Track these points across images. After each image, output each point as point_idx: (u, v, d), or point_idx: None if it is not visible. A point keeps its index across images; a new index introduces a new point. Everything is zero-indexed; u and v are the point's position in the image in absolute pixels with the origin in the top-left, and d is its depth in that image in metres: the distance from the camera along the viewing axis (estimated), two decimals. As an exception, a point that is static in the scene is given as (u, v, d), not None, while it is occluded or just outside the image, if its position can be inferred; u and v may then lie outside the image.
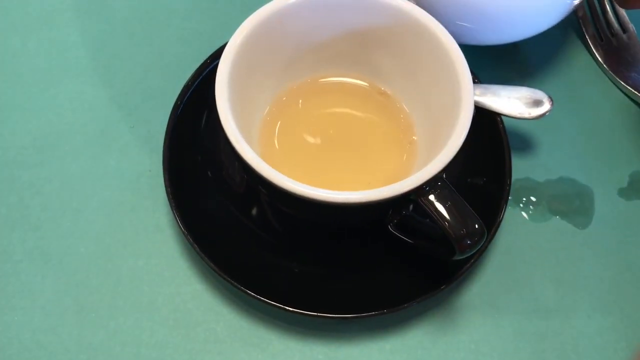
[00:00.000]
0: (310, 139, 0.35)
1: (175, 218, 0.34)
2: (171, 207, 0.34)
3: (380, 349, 0.34)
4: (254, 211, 0.36)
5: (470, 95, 0.30)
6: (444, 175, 0.30)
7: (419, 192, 0.29)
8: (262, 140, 0.34)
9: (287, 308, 0.32)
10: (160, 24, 0.41)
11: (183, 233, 0.33)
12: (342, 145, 0.35)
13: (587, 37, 0.42)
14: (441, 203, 0.29)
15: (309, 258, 0.35)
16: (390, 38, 0.34)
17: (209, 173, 0.36)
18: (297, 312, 0.32)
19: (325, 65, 0.36)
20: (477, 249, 0.30)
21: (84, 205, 0.36)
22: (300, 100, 0.36)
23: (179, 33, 0.41)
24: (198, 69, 0.36)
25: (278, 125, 0.35)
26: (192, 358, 0.33)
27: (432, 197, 0.29)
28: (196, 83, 0.36)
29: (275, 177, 0.28)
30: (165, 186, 0.34)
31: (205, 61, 0.36)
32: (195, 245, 0.33)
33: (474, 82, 0.33)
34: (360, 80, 0.36)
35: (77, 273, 0.35)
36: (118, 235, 0.36)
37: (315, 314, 0.32)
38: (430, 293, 0.33)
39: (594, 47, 0.42)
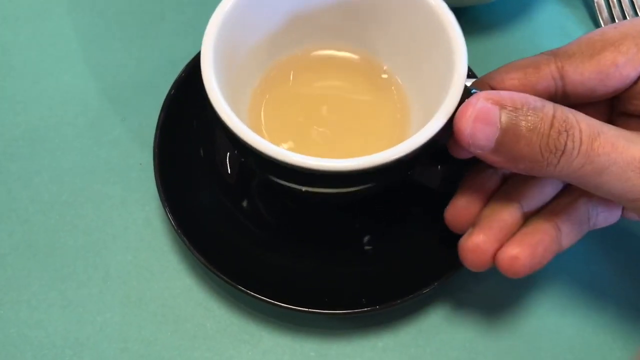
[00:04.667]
0: (301, 113, 0.34)
1: (166, 212, 0.33)
2: (161, 200, 0.33)
3: (372, 346, 0.33)
4: (246, 205, 0.35)
5: (464, 59, 0.29)
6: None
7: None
8: (252, 114, 0.33)
9: (278, 304, 0.32)
10: (153, 16, 0.41)
11: (173, 227, 0.33)
12: (334, 120, 0.34)
13: (601, 21, 0.42)
14: None
15: (300, 253, 0.34)
16: (380, 6, 0.33)
17: (200, 167, 0.35)
18: (288, 307, 0.32)
19: (316, 37, 0.35)
20: None
21: (73, 198, 0.36)
22: (292, 73, 0.35)
23: (172, 26, 0.41)
24: (190, 61, 0.36)
25: (266, 98, 0.34)
26: (181, 354, 0.33)
27: None
28: (188, 76, 0.36)
29: (261, 144, 0.27)
30: (156, 179, 0.34)
31: (199, 54, 0.36)
32: (185, 240, 0.33)
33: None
34: (352, 53, 0.35)
35: (65, 267, 0.34)
36: (107, 229, 0.35)
37: (307, 309, 0.32)
38: (423, 290, 0.32)
39: None
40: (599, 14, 0.42)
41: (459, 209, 0.31)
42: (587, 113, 0.28)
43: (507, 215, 0.30)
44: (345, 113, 0.34)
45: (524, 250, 0.29)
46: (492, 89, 0.29)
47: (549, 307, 0.34)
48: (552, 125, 0.26)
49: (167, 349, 0.33)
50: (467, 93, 0.28)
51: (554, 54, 0.29)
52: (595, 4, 0.42)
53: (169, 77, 0.36)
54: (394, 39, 0.34)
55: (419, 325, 0.34)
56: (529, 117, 0.26)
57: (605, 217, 0.31)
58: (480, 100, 0.27)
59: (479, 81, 0.30)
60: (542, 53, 0.30)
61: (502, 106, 0.27)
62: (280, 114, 0.34)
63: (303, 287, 0.33)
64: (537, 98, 0.27)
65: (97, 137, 0.37)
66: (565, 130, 0.26)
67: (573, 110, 0.27)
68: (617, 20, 0.42)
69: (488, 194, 0.31)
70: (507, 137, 0.27)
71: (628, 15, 0.42)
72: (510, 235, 0.30)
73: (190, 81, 0.36)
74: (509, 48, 0.41)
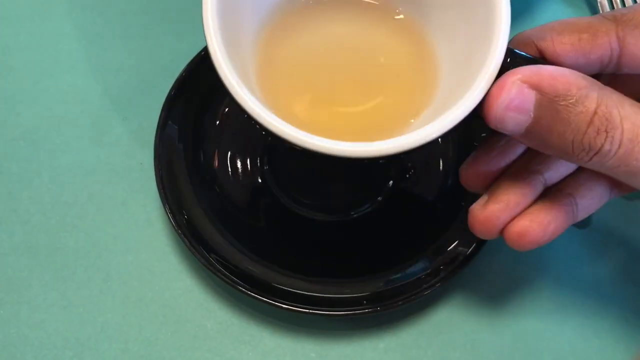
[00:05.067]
0: (313, 70, 0.31)
1: (166, 212, 0.33)
2: (162, 201, 0.33)
3: (374, 347, 0.33)
4: (247, 206, 0.35)
5: (506, 27, 0.26)
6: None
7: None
8: (260, 70, 0.30)
9: (279, 304, 0.31)
10: (154, 16, 0.41)
11: (174, 227, 0.33)
12: (350, 78, 0.31)
13: None
14: None
15: (302, 254, 0.34)
16: None
17: (201, 167, 0.35)
18: (289, 308, 0.31)
19: None
20: None
21: (74, 198, 0.36)
22: (301, 24, 0.32)
23: (173, 26, 0.40)
24: (191, 61, 0.36)
25: (275, 52, 0.31)
26: (182, 355, 0.32)
27: None
28: (189, 76, 0.36)
29: (287, 132, 0.25)
30: (157, 180, 0.34)
31: (199, 54, 0.36)
32: (186, 240, 0.33)
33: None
34: None
35: (65, 267, 0.34)
36: (108, 230, 0.35)
37: (308, 310, 0.32)
38: (425, 291, 0.32)
39: None
40: (601, 11, 0.42)
41: (477, 169, 0.29)
42: (634, 84, 0.26)
43: (526, 187, 0.28)
44: (363, 65, 0.31)
45: (535, 227, 0.27)
46: (540, 51, 0.26)
47: (551, 308, 0.34)
48: (591, 123, 0.24)
49: (167, 350, 0.33)
50: (508, 57, 0.25)
51: (616, 20, 0.26)
52: (599, 4, 0.42)
53: (169, 77, 0.36)
54: None
55: (421, 326, 0.34)
56: (568, 109, 0.24)
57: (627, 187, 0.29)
58: (516, 85, 0.24)
59: (525, 38, 0.27)
60: (601, 15, 0.26)
61: (539, 91, 0.24)
62: (289, 72, 0.31)
63: (304, 288, 0.33)
64: (582, 81, 0.24)
65: (98, 137, 0.37)
66: (605, 131, 0.24)
67: (621, 101, 0.24)
68: None
69: (509, 157, 0.29)
70: (539, 126, 0.25)
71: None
72: (525, 207, 0.28)
73: (191, 81, 0.36)
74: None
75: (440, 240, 0.34)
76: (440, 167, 0.36)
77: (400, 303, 0.32)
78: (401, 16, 0.32)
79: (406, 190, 0.36)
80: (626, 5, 0.42)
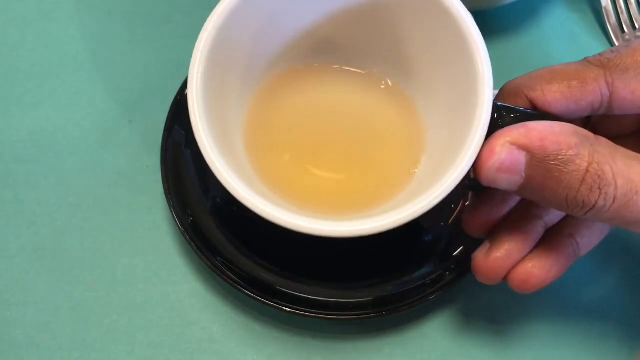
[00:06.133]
0: (307, 132, 0.32)
1: (173, 215, 0.33)
2: (168, 203, 0.33)
3: (378, 351, 0.33)
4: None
5: (489, 82, 0.26)
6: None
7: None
8: (249, 141, 0.32)
9: (285, 308, 0.32)
10: (161, 19, 0.41)
11: (180, 230, 0.33)
12: (340, 143, 0.32)
13: (609, 27, 0.42)
14: None
15: (307, 258, 0.34)
16: (390, 14, 0.30)
17: (207, 169, 0.35)
18: (294, 312, 0.32)
19: (320, 52, 0.33)
20: None
21: (80, 201, 0.36)
22: (290, 91, 0.33)
23: (179, 28, 0.40)
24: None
25: (263, 116, 0.32)
26: (187, 358, 0.33)
27: None
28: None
29: (272, 215, 0.26)
30: (163, 182, 0.34)
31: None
32: (192, 243, 0.33)
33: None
34: (358, 69, 0.33)
35: (72, 269, 0.34)
36: (114, 232, 0.35)
37: (313, 314, 0.32)
38: (429, 296, 0.32)
39: (615, 38, 0.41)
40: (606, 20, 0.42)
41: (478, 219, 0.30)
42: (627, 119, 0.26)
43: (526, 234, 0.28)
44: (351, 131, 0.33)
45: (537, 272, 0.28)
46: (531, 101, 0.27)
47: (555, 312, 0.34)
48: (583, 181, 0.24)
49: (173, 353, 0.33)
50: (495, 113, 0.26)
51: (604, 66, 0.26)
52: (603, 10, 0.42)
53: (176, 79, 0.36)
54: (407, 52, 0.31)
55: (425, 330, 0.34)
56: (559, 168, 0.24)
57: None
58: (506, 147, 0.24)
59: (515, 88, 0.27)
60: (587, 61, 0.27)
61: (529, 152, 0.24)
62: (277, 139, 0.32)
63: (310, 292, 0.33)
64: (573, 139, 0.24)
65: (104, 140, 0.37)
66: (599, 188, 0.24)
67: (613, 156, 0.24)
68: (624, 26, 0.42)
69: (509, 205, 0.30)
70: (532, 185, 0.25)
71: (636, 21, 0.42)
72: (528, 251, 0.29)
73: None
74: (517, 53, 0.40)
75: (445, 246, 0.34)
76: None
77: (405, 308, 0.32)
78: (389, 83, 0.33)
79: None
80: (631, 11, 0.42)
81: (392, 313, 0.32)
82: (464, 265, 0.33)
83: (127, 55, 0.39)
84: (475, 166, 0.26)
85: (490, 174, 0.25)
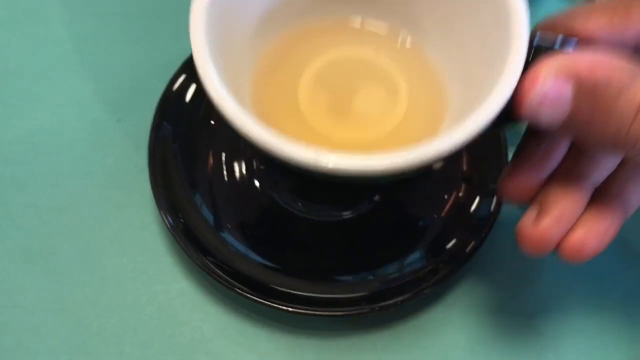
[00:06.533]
0: (325, 85, 0.30)
1: (161, 214, 0.33)
2: (157, 202, 0.33)
3: (373, 347, 0.33)
4: (242, 206, 0.35)
5: (525, 23, 0.24)
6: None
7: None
8: (255, 97, 0.29)
9: (276, 306, 0.31)
10: (149, 19, 0.40)
11: (169, 229, 0.33)
12: (359, 101, 0.30)
13: None
14: None
15: (298, 254, 0.34)
16: None
17: (195, 168, 0.35)
18: (286, 309, 0.31)
19: (334, 3, 0.30)
20: None
21: (68, 201, 0.35)
22: (304, 52, 0.31)
23: (167, 27, 0.40)
24: (185, 62, 0.36)
25: (271, 77, 0.30)
26: (178, 358, 0.32)
27: None
28: (183, 77, 0.36)
29: (291, 152, 0.23)
30: (151, 181, 0.33)
31: (192, 54, 0.35)
32: (181, 242, 0.32)
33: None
34: (375, 23, 0.31)
35: (60, 271, 0.34)
36: (103, 232, 0.35)
37: (306, 311, 0.31)
38: (424, 290, 0.32)
39: None
40: None
41: (520, 181, 0.27)
42: None
43: (577, 195, 0.26)
44: (370, 89, 0.30)
45: (592, 238, 0.26)
46: (571, 32, 0.24)
47: (552, 306, 0.34)
48: (636, 115, 0.22)
49: (164, 353, 0.32)
50: (532, 46, 0.23)
51: None
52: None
53: (163, 78, 0.36)
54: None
55: (420, 326, 0.33)
56: (609, 100, 0.22)
57: None
58: (550, 77, 0.22)
59: (553, 23, 0.25)
60: None
61: (577, 81, 0.22)
62: (286, 94, 0.29)
63: (301, 289, 0.32)
64: (625, 68, 0.22)
65: (92, 140, 0.37)
66: None
67: None
68: None
69: (552, 163, 0.27)
70: (578, 119, 0.22)
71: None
72: (579, 215, 0.26)
73: (184, 82, 0.36)
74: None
75: (438, 239, 0.33)
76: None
77: (399, 302, 0.32)
78: (407, 39, 0.31)
79: (404, 188, 0.35)
80: None
81: (386, 308, 0.31)
82: (458, 258, 0.32)
83: (115, 54, 0.39)
84: (514, 97, 0.23)
85: (533, 105, 0.22)
